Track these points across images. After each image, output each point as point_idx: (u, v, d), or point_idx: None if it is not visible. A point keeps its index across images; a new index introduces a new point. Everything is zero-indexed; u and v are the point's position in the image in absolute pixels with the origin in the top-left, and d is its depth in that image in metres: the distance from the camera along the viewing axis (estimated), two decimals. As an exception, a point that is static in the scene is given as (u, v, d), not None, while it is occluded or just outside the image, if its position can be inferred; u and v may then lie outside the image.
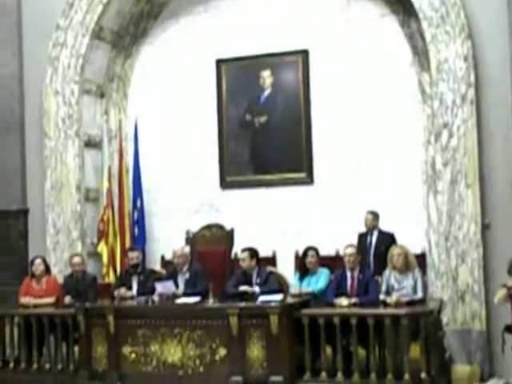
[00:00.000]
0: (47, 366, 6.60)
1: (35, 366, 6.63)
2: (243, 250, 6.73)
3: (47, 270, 7.26)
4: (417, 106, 7.63)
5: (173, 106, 8.48)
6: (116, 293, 6.84)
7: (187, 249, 7.18)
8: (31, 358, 6.65)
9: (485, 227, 6.94)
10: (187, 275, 6.91)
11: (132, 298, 6.86)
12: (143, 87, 8.69)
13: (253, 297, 6.33)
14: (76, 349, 6.55)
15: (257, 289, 6.46)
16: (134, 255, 7.18)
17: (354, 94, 7.82)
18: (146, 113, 8.58)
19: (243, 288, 6.47)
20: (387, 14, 7.76)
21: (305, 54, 8.02)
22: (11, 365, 6.71)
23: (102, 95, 8.78)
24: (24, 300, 7.02)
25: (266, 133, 8.13)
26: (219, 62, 8.32)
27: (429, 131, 7.49)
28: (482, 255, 6.89)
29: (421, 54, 7.53)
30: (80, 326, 6.37)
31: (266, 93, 8.16)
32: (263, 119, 8.14)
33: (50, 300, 7.02)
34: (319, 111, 7.95)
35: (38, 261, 7.22)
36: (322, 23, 7.96)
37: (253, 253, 6.67)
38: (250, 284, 6.55)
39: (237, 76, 8.26)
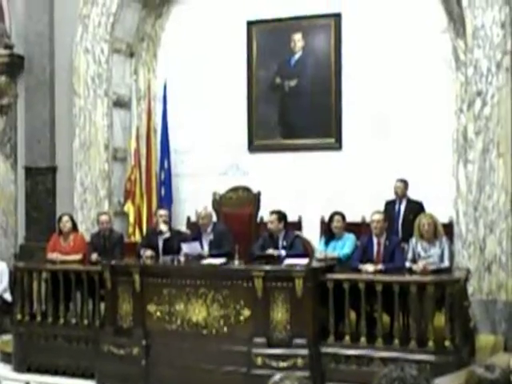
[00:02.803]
0: (73, 320, 6.67)
1: (62, 320, 6.70)
2: (272, 213, 6.70)
3: (74, 227, 7.28)
4: (450, 73, 7.49)
5: (202, 67, 8.41)
6: (142, 251, 6.86)
7: (210, 209, 7.18)
8: (58, 312, 6.72)
9: (515, 198, 6.84)
10: (211, 236, 6.91)
11: (156, 259, 6.87)
12: (173, 48, 8.63)
13: (278, 260, 6.32)
14: (102, 305, 6.61)
15: (283, 252, 6.45)
16: (162, 213, 7.17)
17: (386, 59, 7.70)
18: (175, 73, 8.52)
19: (269, 251, 6.46)
20: (423, -23, 7.60)
21: (337, 17, 7.89)
22: (38, 319, 6.79)
23: (131, 55, 8.75)
24: (52, 256, 7.07)
25: (295, 97, 8.05)
26: (250, 24, 8.22)
27: (461, 99, 7.36)
28: (511, 226, 6.80)
29: (456, 20, 7.37)
30: (106, 283, 6.40)
31: (297, 56, 8.05)
32: (293, 83, 8.05)
33: (77, 257, 7.07)
34: (350, 76, 7.84)
35: (66, 218, 7.24)
36: (355, -14, 7.82)
37: (281, 216, 6.65)
38: (276, 247, 6.54)
39: (267, 38, 8.17)
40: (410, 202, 7.08)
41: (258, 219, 7.72)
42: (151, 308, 6.27)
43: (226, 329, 6.03)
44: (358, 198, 7.49)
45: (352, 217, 7.03)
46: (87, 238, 7.42)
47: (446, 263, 6.15)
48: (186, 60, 8.50)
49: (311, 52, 8.00)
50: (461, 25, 7.25)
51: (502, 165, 6.82)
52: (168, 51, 8.66)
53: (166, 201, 8.28)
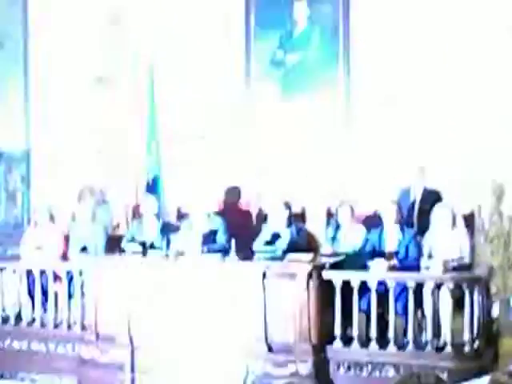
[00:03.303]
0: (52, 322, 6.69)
1: (38, 321, 6.73)
2: (278, 202, 6.72)
3: (52, 219, 7.32)
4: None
5: (196, 39, 8.34)
6: (128, 246, 6.86)
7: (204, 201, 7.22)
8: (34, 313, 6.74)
9: (543, 187, 6.85)
10: (206, 230, 6.90)
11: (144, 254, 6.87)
12: (164, 20, 8.56)
13: (279, 256, 6.31)
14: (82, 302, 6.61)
15: (286, 234, 6.47)
16: (151, 204, 7.17)
17: (400, 30, 7.62)
18: (166, 49, 8.46)
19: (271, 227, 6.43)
20: None
21: (346, -18, 7.86)
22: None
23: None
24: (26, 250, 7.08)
25: (298, 73, 8.01)
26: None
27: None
28: (540, 218, 6.81)
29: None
30: (88, 282, 6.41)
31: (301, 27, 8.02)
32: (296, 57, 8.02)
33: (55, 252, 7.07)
34: (361, 50, 7.79)
35: (43, 210, 7.26)
36: None
37: (286, 206, 6.67)
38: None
39: (267, 7, 8.11)
40: (426, 191, 7.07)
41: (257, 212, 7.74)
42: (139, 309, 6.26)
43: (221, 332, 6.01)
44: (368, 187, 7.47)
45: (362, 207, 7.02)
46: (66, 230, 7.42)
47: (466, 259, 6.15)
48: (179, 31, 8.42)
49: (317, 22, 7.95)
50: None
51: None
52: (158, 25, 8.61)
53: (155, 191, 8.26)
